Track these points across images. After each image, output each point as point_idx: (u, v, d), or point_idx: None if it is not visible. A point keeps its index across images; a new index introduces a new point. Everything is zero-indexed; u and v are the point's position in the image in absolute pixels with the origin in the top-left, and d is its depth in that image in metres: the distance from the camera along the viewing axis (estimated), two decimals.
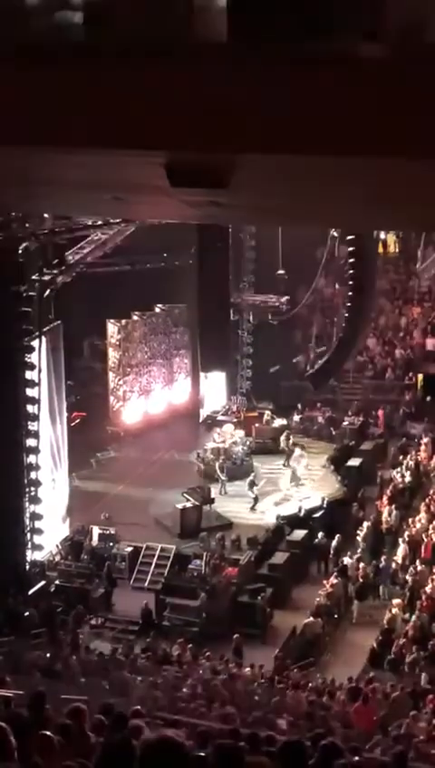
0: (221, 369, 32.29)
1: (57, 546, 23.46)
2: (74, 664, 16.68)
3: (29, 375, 21.40)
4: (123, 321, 32.15)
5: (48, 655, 17.22)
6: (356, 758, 7.46)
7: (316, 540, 23.37)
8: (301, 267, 31.98)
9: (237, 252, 32.01)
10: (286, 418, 31.26)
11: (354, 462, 27.85)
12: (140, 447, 30.34)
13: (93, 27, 4.42)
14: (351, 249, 26.64)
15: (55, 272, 23.81)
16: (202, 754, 4.64)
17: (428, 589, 20.32)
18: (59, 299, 24.34)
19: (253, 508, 25.84)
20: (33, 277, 22.13)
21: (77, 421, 28.74)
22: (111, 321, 31.78)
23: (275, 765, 5.38)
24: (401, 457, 28.37)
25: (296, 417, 31.91)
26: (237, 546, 23.43)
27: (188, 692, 14.83)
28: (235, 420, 30.90)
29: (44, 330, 22.17)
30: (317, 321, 34.73)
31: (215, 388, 32.93)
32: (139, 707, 9.26)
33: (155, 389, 32.99)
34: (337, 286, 34.08)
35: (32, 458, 21.54)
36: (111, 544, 23.30)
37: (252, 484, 26.19)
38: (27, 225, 21.36)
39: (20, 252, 21.15)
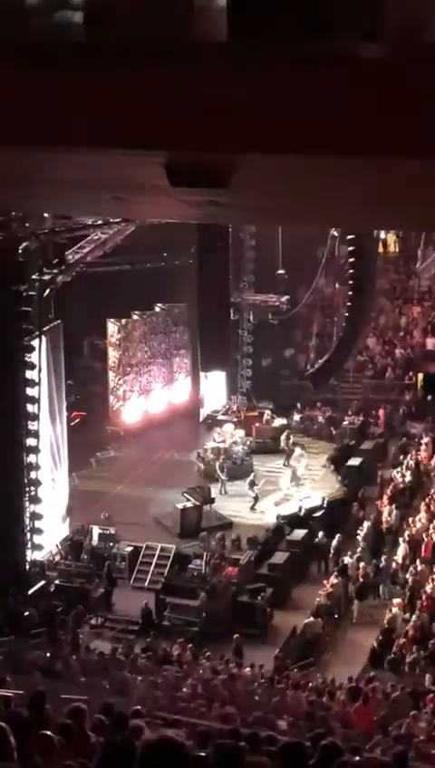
0: (221, 368, 32.29)
1: (57, 546, 23.46)
2: (74, 664, 16.68)
3: (29, 374, 21.40)
4: (123, 321, 32.16)
5: (48, 654, 17.23)
6: (356, 758, 7.46)
7: (316, 539, 23.37)
8: (301, 267, 31.99)
9: (237, 251, 32.01)
10: (286, 418, 31.27)
11: (354, 461, 27.86)
12: (139, 447, 30.33)
13: (93, 27, 4.41)
14: (351, 249, 26.62)
15: (55, 271, 23.81)
16: (202, 754, 4.63)
17: (428, 588, 20.33)
18: (59, 298, 24.34)
19: (253, 508, 25.84)
20: (34, 277, 22.13)
21: (77, 421, 28.74)
22: (111, 320, 31.78)
23: (275, 765, 5.38)
24: (401, 457, 28.38)
25: (296, 417, 31.91)
26: (237, 546, 23.43)
27: (188, 692, 14.83)
28: (235, 420, 30.91)
29: (44, 329, 22.17)
30: (317, 320, 34.72)
31: (215, 388, 32.94)
32: (139, 707, 9.26)
33: (155, 389, 32.99)
34: (337, 286, 34.07)
35: (32, 458, 21.54)
36: (111, 544, 23.30)
37: (252, 484, 26.20)
38: (27, 224, 21.36)
39: (20, 251, 21.14)
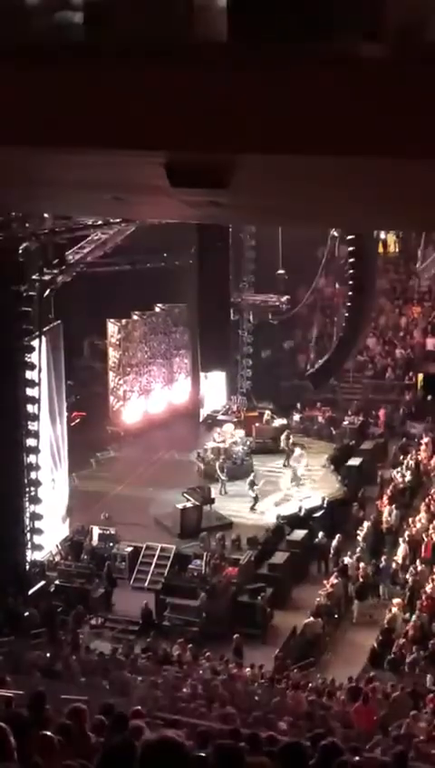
0: (221, 368, 32.29)
1: (57, 546, 23.46)
2: (74, 664, 16.68)
3: (29, 375, 21.39)
4: (123, 321, 32.17)
5: (48, 655, 17.23)
6: (356, 758, 7.46)
7: (316, 540, 23.38)
8: (301, 267, 32.00)
9: (237, 252, 32.01)
10: (286, 418, 31.27)
11: (355, 461, 27.87)
12: (140, 447, 30.33)
13: (93, 27, 4.41)
14: (351, 249, 26.63)
15: (55, 271, 23.80)
16: (202, 755, 4.63)
17: (428, 588, 20.34)
18: (59, 299, 24.35)
19: (253, 508, 25.85)
20: (34, 277, 22.13)
21: (77, 421, 28.74)
22: (112, 320, 31.79)
23: (275, 766, 5.38)
24: (401, 457, 28.38)
25: (296, 417, 31.92)
26: (237, 546, 23.44)
27: (188, 692, 14.84)
28: (235, 420, 30.92)
29: (44, 329, 22.16)
30: (317, 320, 34.73)
31: (215, 388, 32.94)
32: (139, 707, 9.26)
33: (155, 389, 33.00)
34: (337, 286, 34.08)
35: (32, 458, 21.54)
36: (111, 544, 23.30)
37: (252, 484, 26.21)
38: (27, 224, 21.36)
39: (20, 252, 21.15)
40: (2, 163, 5.63)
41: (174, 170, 4.84)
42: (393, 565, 22.14)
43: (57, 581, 22.04)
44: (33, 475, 21.57)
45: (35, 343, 21.64)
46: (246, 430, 29.85)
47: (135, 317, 32.67)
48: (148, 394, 32.62)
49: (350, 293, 27.84)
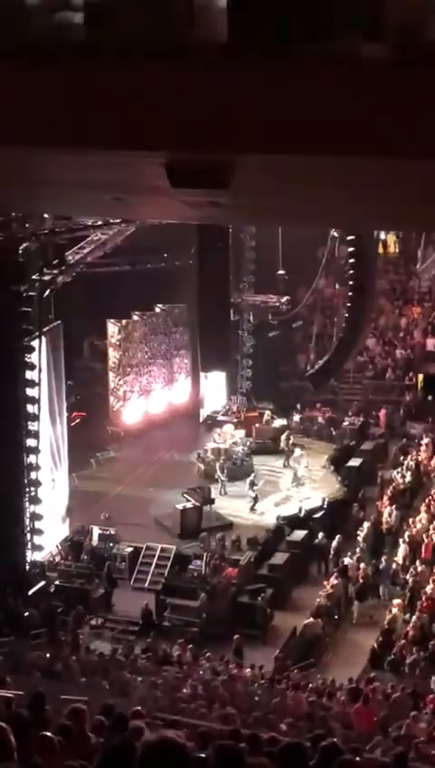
0: (221, 369, 32.29)
1: (57, 546, 23.46)
2: (74, 664, 16.68)
3: (29, 375, 21.39)
4: (123, 321, 32.18)
5: (48, 655, 17.23)
6: (357, 759, 7.45)
7: (316, 540, 23.37)
8: (301, 267, 32.01)
9: (238, 252, 32.01)
10: (287, 419, 31.27)
11: (355, 462, 27.86)
12: (140, 447, 30.34)
13: (93, 27, 4.41)
14: (351, 249, 26.63)
15: (55, 272, 23.81)
16: (203, 756, 4.63)
17: (428, 589, 20.32)
18: (59, 299, 24.36)
19: (253, 508, 25.85)
20: (34, 277, 22.13)
21: (77, 421, 28.75)
22: (112, 321, 31.81)
23: (275, 767, 5.38)
24: (401, 458, 28.37)
25: (296, 418, 31.92)
26: (237, 546, 23.44)
27: (188, 693, 14.83)
28: (235, 420, 30.92)
29: (45, 330, 22.16)
30: (318, 321, 34.73)
31: (215, 389, 32.94)
32: (139, 708, 9.26)
33: (155, 389, 33.00)
34: (337, 286, 34.07)
35: (32, 458, 21.54)
36: (111, 544, 23.30)
37: (252, 485, 26.20)
38: (27, 225, 21.37)
39: (20, 252, 21.15)
40: (2, 163, 5.63)
41: (174, 171, 4.83)
42: (393, 566, 22.14)
43: (57, 582, 22.04)
44: (33, 475, 21.57)
45: (35, 343, 21.64)
46: (246, 431, 29.85)
47: (135, 317, 32.68)
48: (148, 394, 32.62)
49: (350, 294, 27.85)
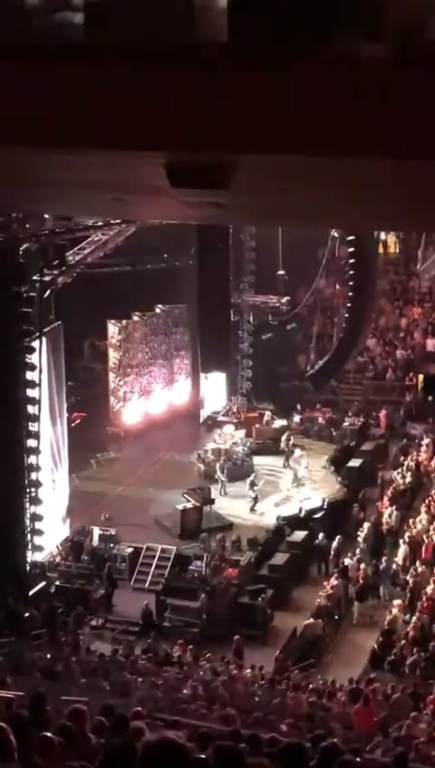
0: (221, 369, 32.25)
1: (57, 547, 23.46)
2: (75, 665, 16.68)
3: (29, 376, 21.40)
4: (124, 322, 32.18)
5: (48, 656, 17.24)
6: (357, 759, 7.45)
7: (317, 541, 23.37)
8: (301, 268, 32.02)
9: (238, 252, 32.02)
10: (287, 419, 31.27)
11: (355, 463, 27.87)
12: (140, 448, 30.34)
13: (93, 27, 4.41)
14: (351, 250, 26.64)
15: (56, 272, 23.81)
16: (203, 756, 4.63)
17: (428, 590, 20.33)
18: (59, 299, 24.37)
19: (252, 508, 25.85)
20: (34, 278, 22.11)
21: (77, 422, 28.74)
22: (112, 321, 31.82)
23: (275, 767, 5.37)
24: (401, 458, 28.36)
25: (297, 418, 31.92)
26: (238, 547, 23.44)
27: (188, 693, 14.85)
28: (235, 421, 30.93)
29: (45, 330, 22.15)
30: (318, 321, 34.73)
31: (215, 389, 32.95)
32: (139, 709, 9.26)
33: (155, 390, 33.01)
34: (337, 287, 34.07)
35: (32, 459, 21.54)
36: (112, 545, 23.30)
37: (252, 485, 26.20)
38: (28, 225, 21.37)
39: (20, 252, 21.15)
40: (2, 163, 5.62)
41: (174, 171, 4.83)
42: (394, 566, 22.13)
43: (57, 582, 22.05)
44: (33, 475, 21.57)
45: (36, 344, 21.63)
46: (246, 431, 29.86)
47: (135, 318, 32.69)
48: (148, 395, 32.63)
49: (350, 294, 27.85)
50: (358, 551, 22.87)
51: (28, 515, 21.52)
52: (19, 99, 4.52)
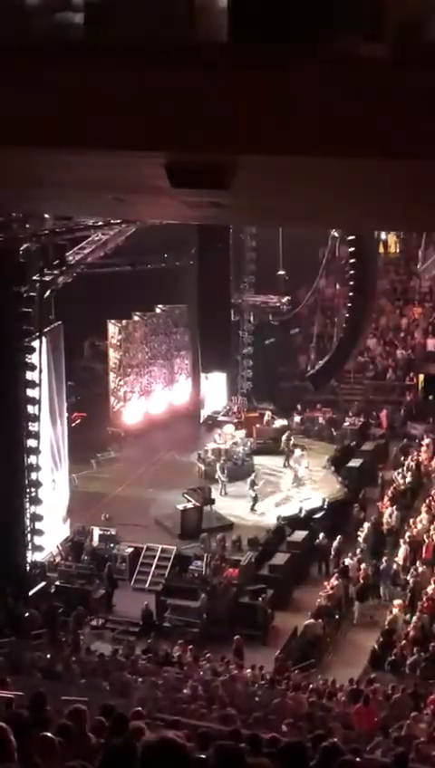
0: (222, 369, 32.22)
1: (57, 547, 23.45)
2: (75, 665, 16.68)
3: (29, 375, 21.39)
4: (124, 322, 32.18)
5: (49, 656, 17.24)
6: (357, 759, 7.45)
7: (317, 541, 23.36)
8: (301, 267, 32.01)
9: (238, 252, 32.00)
10: (287, 419, 31.27)
11: (355, 463, 27.86)
12: (140, 448, 30.34)
13: (93, 27, 4.41)
14: (351, 249, 26.62)
15: (56, 272, 23.80)
16: (203, 756, 4.63)
17: (429, 590, 20.33)
18: (59, 299, 24.35)
19: (253, 508, 25.84)
20: (34, 278, 22.11)
21: (77, 422, 28.75)
22: (112, 321, 31.82)
23: (275, 767, 5.37)
24: (402, 458, 28.36)
25: (297, 418, 31.92)
26: (238, 547, 23.44)
27: (188, 693, 14.84)
28: (235, 421, 30.91)
29: (45, 330, 22.15)
30: (318, 321, 34.73)
31: (215, 389, 32.94)
32: (139, 708, 9.26)
33: (156, 390, 33.01)
34: (338, 287, 34.06)
35: (32, 459, 21.53)
36: (112, 545, 23.29)
37: (252, 485, 26.20)
38: (28, 225, 21.36)
39: (21, 252, 21.15)
40: (2, 163, 5.62)
41: (174, 171, 4.83)
42: (394, 566, 22.13)
43: (58, 582, 22.04)
44: (33, 475, 21.56)
45: (36, 344, 21.63)
46: (246, 431, 29.85)
47: (136, 318, 32.69)
48: (148, 395, 32.62)
49: (350, 294, 27.82)
50: (358, 551, 22.87)
51: (28, 515, 21.51)
52: (19, 99, 4.52)
